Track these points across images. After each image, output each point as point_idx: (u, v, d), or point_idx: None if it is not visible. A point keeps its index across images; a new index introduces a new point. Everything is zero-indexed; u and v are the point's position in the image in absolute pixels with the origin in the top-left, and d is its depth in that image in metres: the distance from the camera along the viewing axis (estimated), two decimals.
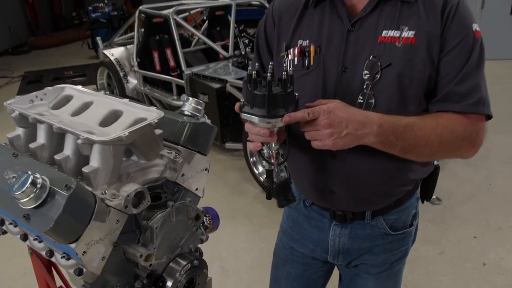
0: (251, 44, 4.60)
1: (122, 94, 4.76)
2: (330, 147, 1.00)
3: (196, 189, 1.20)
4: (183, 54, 4.23)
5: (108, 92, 5.01)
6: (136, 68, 4.66)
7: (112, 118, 1.11)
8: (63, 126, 0.99)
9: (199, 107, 1.23)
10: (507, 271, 2.66)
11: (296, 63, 1.18)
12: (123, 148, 1.00)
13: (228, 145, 3.92)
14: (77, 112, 1.16)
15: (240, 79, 3.79)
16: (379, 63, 1.07)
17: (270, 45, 1.26)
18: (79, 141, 0.95)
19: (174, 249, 1.10)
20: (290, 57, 1.19)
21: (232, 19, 4.47)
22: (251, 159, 3.60)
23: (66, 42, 10.18)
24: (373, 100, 1.08)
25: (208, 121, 1.20)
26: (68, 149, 1.01)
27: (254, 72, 0.97)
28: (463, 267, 2.66)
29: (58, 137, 1.05)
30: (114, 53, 4.84)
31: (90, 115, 1.13)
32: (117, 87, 4.82)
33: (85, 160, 0.99)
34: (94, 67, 5.23)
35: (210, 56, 5.04)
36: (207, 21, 5.29)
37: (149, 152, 1.09)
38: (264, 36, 1.28)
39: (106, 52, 4.84)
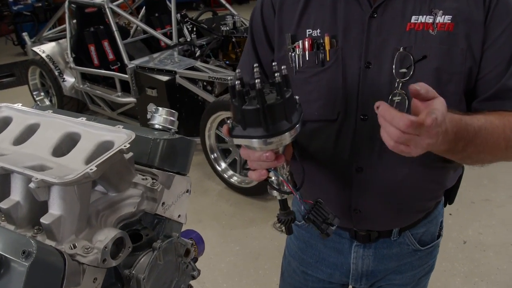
0: (195, 30, 4.35)
1: (59, 93, 4.35)
2: (410, 155, 0.77)
3: (179, 216, 1.02)
4: (124, 46, 3.90)
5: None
6: (72, 65, 4.25)
7: (67, 143, 0.89)
8: (7, 165, 0.76)
9: (172, 118, 1.03)
10: (488, 246, 2.69)
11: (308, 58, 0.97)
12: (90, 186, 0.79)
13: None
14: (20, 139, 0.93)
15: (190, 69, 3.55)
16: (411, 56, 0.89)
17: (270, 36, 1.04)
18: (32, 185, 0.73)
19: None
20: (298, 51, 0.97)
21: (172, 4, 4.18)
22: (212, 156, 3.40)
23: None
24: (405, 99, 0.90)
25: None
26: (16, 193, 0.79)
27: (237, 82, 0.72)
28: (445, 247, 2.65)
29: (1, 177, 0.82)
30: (45, 49, 4.39)
31: (39, 142, 0.90)
32: (52, 87, 4.40)
33: (42, 204, 0.77)
34: (23, 66, 4.75)
35: (151, 45, 4.73)
36: (144, 8, 4.94)
37: (119, 183, 0.89)
38: (261, 25, 1.05)
39: (36, 49, 4.39)
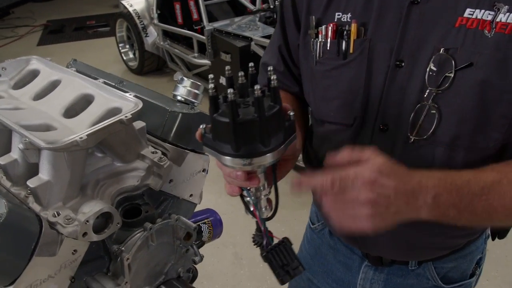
0: None
1: (141, 48, 4.48)
2: (366, 230, 0.64)
3: (191, 195, 0.96)
4: (205, 7, 3.88)
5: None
6: (155, 21, 4.34)
7: (81, 104, 0.86)
8: (6, 122, 0.74)
9: (197, 91, 0.96)
10: None
11: (329, 47, 0.80)
12: (83, 154, 0.75)
13: None
14: (41, 94, 0.92)
15: (267, 37, 3.45)
16: (452, 61, 0.70)
17: (299, 15, 0.88)
18: (20, 146, 0.70)
19: (156, 277, 0.87)
20: (320, 37, 0.81)
21: None
22: None
23: None
24: (435, 114, 0.72)
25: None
26: (15, 151, 0.78)
27: (211, 86, 0.57)
28: (511, 270, 2.36)
29: (8, 132, 0.81)
30: (133, 3, 4.51)
31: (55, 99, 0.89)
32: (136, 41, 4.54)
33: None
34: (115, 18, 4.94)
35: (237, 8, 4.66)
36: None
37: (126, 153, 0.85)
38: (290, 1, 0.89)
39: (125, 2, 4.53)
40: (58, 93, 0.89)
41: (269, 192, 0.67)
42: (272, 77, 0.55)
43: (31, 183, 0.70)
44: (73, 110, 0.86)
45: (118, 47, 4.87)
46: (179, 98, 0.95)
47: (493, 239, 0.99)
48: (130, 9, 4.45)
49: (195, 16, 4.61)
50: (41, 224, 0.68)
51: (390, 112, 0.76)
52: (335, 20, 0.79)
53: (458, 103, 0.70)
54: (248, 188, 0.66)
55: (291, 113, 0.60)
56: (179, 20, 4.50)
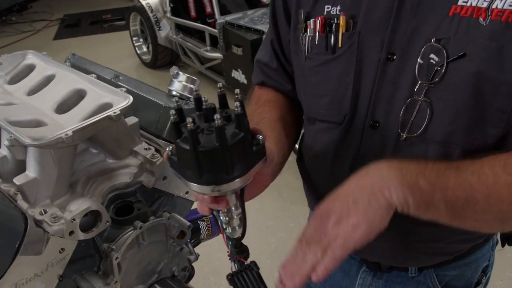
0: None
1: (154, 42, 4.48)
2: (350, 246, 0.59)
3: (187, 192, 0.94)
4: (217, 0, 3.86)
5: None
6: (168, 14, 4.32)
7: (73, 99, 0.85)
8: None
9: (192, 86, 0.94)
10: None
11: (317, 42, 0.76)
12: (71, 151, 0.74)
13: None
14: (35, 90, 0.91)
15: None
16: (444, 51, 0.65)
17: (290, 9, 0.84)
18: (6, 143, 0.69)
19: (149, 277, 0.86)
20: (309, 32, 0.77)
21: None
22: None
23: None
24: (427, 110, 0.68)
25: None
26: (4, 148, 0.76)
27: (173, 111, 0.55)
28: None
29: None
30: None
31: (48, 94, 0.87)
32: (149, 35, 4.54)
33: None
34: (129, 12, 4.95)
35: (251, 2, 4.62)
36: None
37: (117, 150, 0.83)
38: None
39: None
40: (51, 88, 0.88)
41: (239, 214, 0.64)
42: (236, 103, 0.52)
43: (18, 180, 0.69)
44: (66, 105, 0.84)
45: (132, 40, 4.88)
46: (174, 93, 0.93)
47: (502, 245, 0.93)
48: (143, 3, 4.45)
49: (208, 9, 4.58)
50: (26, 223, 0.66)
51: (381, 108, 0.72)
52: (324, 13, 0.76)
53: (451, 97, 0.66)
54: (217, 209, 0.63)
55: (260, 137, 0.57)
56: (192, 13, 4.48)
